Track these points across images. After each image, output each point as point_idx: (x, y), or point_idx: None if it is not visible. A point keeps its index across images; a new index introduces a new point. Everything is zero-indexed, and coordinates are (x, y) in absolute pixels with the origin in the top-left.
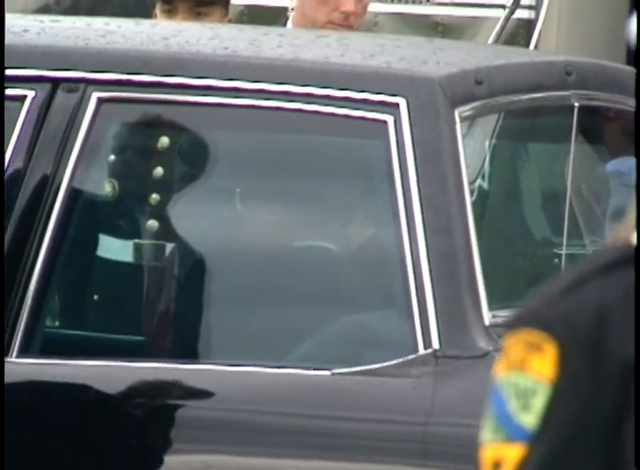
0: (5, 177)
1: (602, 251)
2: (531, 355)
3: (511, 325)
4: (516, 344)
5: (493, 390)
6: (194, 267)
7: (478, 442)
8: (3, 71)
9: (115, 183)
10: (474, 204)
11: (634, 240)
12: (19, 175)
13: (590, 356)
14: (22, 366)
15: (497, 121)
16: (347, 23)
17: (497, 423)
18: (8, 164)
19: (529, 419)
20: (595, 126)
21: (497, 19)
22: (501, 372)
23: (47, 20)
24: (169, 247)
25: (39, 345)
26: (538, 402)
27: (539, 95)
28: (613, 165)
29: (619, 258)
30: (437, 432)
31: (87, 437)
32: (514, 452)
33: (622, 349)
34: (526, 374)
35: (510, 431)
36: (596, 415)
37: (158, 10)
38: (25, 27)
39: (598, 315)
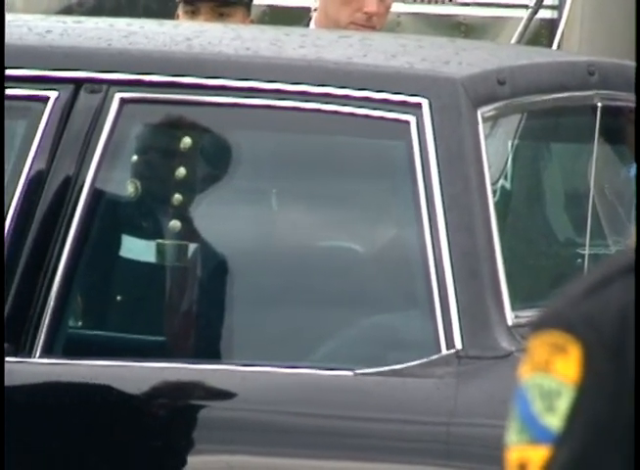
0: (28, 178)
1: (625, 251)
2: (556, 357)
3: (535, 327)
4: (540, 345)
5: (518, 391)
6: (216, 268)
7: (502, 442)
8: (3, 71)
9: (138, 184)
10: (496, 204)
11: None
12: (42, 176)
13: (614, 357)
14: (45, 366)
15: (520, 122)
16: (370, 23)
17: (522, 424)
18: (31, 165)
19: (554, 421)
20: (618, 126)
21: (520, 19)
22: (526, 373)
23: (70, 21)
24: (192, 247)
25: (62, 345)
26: (563, 404)
27: (562, 95)
28: (635, 169)
29: None
30: (460, 432)
31: (110, 437)
32: (539, 454)
33: None
34: (551, 375)
35: (535, 432)
36: (621, 416)
37: (180, 11)
38: (48, 28)
39: (621, 316)
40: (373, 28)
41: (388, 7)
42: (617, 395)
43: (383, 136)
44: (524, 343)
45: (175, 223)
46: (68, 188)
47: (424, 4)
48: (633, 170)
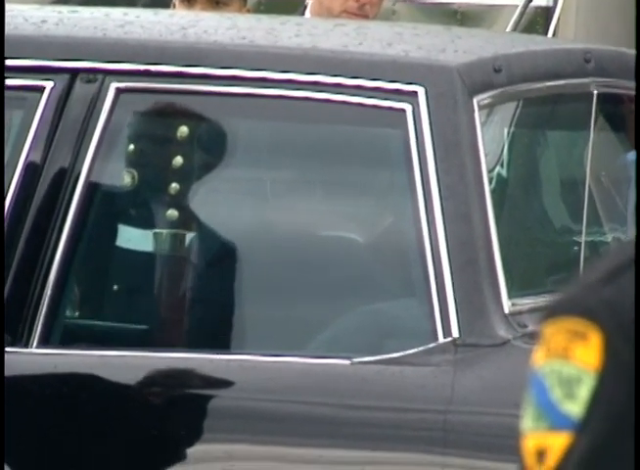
0: (24, 168)
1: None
2: (575, 344)
3: (550, 313)
4: (557, 332)
5: (533, 378)
6: (214, 257)
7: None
8: (3, 69)
9: (135, 173)
10: (493, 192)
11: None
12: (38, 166)
13: (633, 344)
14: (42, 357)
15: (516, 109)
16: (362, 12)
17: (540, 411)
18: (27, 155)
19: (575, 408)
20: (614, 114)
21: (515, 6)
22: (541, 360)
23: (65, 10)
24: (189, 236)
25: (59, 335)
26: (584, 391)
27: (558, 83)
28: (634, 155)
29: None
30: (457, 420)
31: (108, 427)
32: (559, 441)
33: None
34: (571, 362)
35: (554, 419)
36: None
37: (176, 0)
38: (44, 18)
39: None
40: (366, 17)
41: None
42: (636, 382)
43: (379, 124)
44: (520, 330)
45: (172, 212)
46: (65, 178)
47: None
48: (631, 155)
